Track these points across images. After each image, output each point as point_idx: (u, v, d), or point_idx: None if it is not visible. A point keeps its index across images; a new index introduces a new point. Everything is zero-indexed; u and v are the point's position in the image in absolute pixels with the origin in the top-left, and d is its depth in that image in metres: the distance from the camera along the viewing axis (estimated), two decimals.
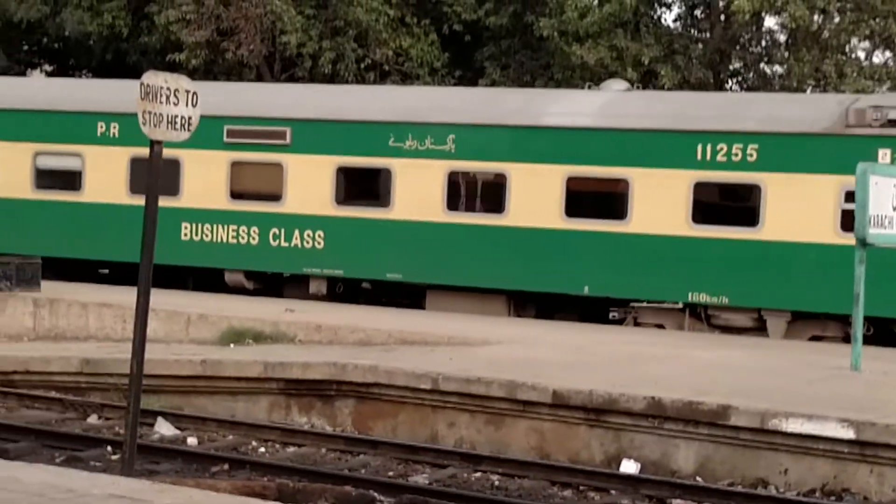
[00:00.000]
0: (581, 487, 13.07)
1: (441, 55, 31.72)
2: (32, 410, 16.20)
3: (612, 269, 21.42)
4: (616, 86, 23.40)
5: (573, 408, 14.27)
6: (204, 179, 23.73)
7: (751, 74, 32.02)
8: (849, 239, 18.24)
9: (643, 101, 22.54)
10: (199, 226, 23.77)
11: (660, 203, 21.12)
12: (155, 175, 10.79)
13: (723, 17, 30.73)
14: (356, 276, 23.13)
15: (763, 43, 32.14)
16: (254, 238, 23.39)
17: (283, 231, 23.25)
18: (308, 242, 23.08)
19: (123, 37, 33.34)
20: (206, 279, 24.07)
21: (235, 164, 23.65)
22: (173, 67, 28.74)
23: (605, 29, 28.87)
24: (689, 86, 28.62)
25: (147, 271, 10.85)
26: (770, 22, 31.33)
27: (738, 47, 31.35)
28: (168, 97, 10.72)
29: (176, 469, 13.11)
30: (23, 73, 36.84)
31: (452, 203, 22.36)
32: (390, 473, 13.48)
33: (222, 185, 23.68)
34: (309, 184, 23.16)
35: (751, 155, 20.54)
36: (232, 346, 18.47)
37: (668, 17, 33.25)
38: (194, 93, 10.92)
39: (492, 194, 22.20)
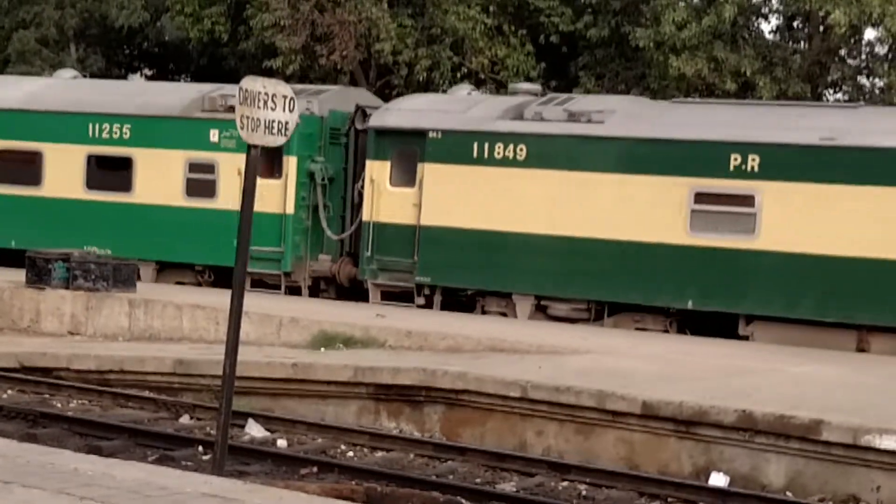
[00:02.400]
0: (669, 499, 13.01)
1: (537, 65, 31.70)
2: (126, 409, 16.44)
3: (29, 226, 25.57)
4: (65, 74, 28.16)
5: (663, 419, 14.20)
6: None
7: (848, 87, 31.63)
8: (192, 202, 24.61)
9: (62, 89, 26.74)
10: None
11: (64, 171, 25.58)
12: (252, 181, 10.91)
13: (821, 29, 30.39)
14: None
15: (863, 55, 31.74)
16: None
17: None
18: None
19: (223, 42, 33.72)
20: None
21: None
22: (269, 74, 29.02)
23: (704, 41, 28.66)
24: (787, 97, 28.34)
25: (241, 274, 10.98)
26: (870, 34, 30.95)
27: (836, 59, 30.99)
28: (266, 102, 10.83)
29: (265, 470, 13.23)
30: (123, 77, 37.38)
31: None
32: (478, 480, 13.50)
33: None
34: None
35: (126, 133, 25.12)
36: (323, 349, 18.60)
37: (766, 29, 32.90)
38: (292, 98, 11.04)
39: None
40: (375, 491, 11.91)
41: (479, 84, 31.29)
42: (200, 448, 14.02)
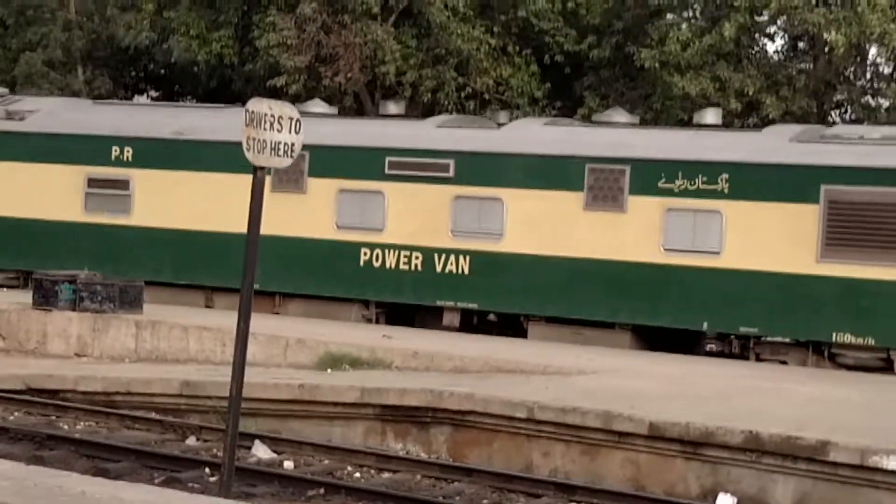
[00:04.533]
0: None
1: (541, 85, 31.73)
2: (133, 431, 16.43)
3: None
4: None
5: (669, 440, 14.18)
6: None
7: (853, 106, 31.62)
8: None
9: None
10: None
11: None
12: (258, 203, 10.92)
13: (826, 50, 30.43)
14: None
15: (868, 75, 31.75)
16: None
17: None
18: None
19: (231, 65, 33.79)
20: None
21: None
22: (273, 92, 29.08)
23: (707, 61, 28.70)
24: (793, 116, 28.34)
25: (248, 295, 10.98)
26: (874, 53, 30.95)
27: (842, 79, 31.00)
28: (272, 124, 10.85)
29: (272, 492, 13.21)
30: (129, 98, 37.47)
31: None
32: (485, 502, 13.48)
33: None
34: None
35: None
36: (329, 371, 18.59)
37: (770, 49, 32.92)
38: (297, 120, 11.05)
39: None
40: None
41: (483, 105, 31.34)
42: (207, 470, 14.00)
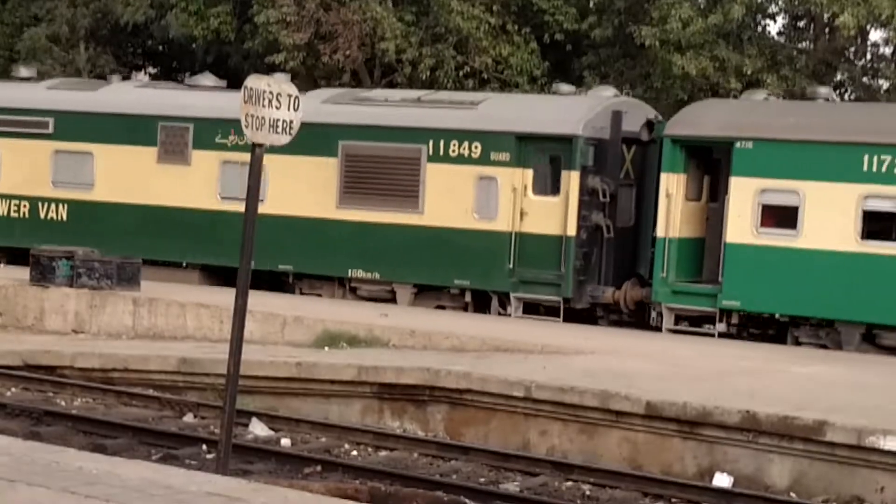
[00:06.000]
0: (673, 500, 13.01)
1: (541, 64, 31.65)
2: (130, 408, 16.45)
3: None
4: None
5: (667, 419, 14.20)
6: None
7: (853, 86, 31.58)
8: None
9: None
10: None
11: None
12: (256, 179, 10.90)
13: (827, 30, 30.35)
14: None
15: (868, 56, 31.69)
16: None
17: None
18: None
19: (229, 41, 33.70)
20: None
21: None
22: (272, 69, 28.99)
23: (709, 40, 28.62)
24: (793, 96, 28.28)
25: (245, 273, 10.96)
26: (875, 35, 30.91)
27: (842, 60, 30.94)
28: (270, 101, 10.80)
29: (269, 469, 13.24)
30: (128, 76, 37.34)
31: None
32: (481, 480, 13.50)
33: None
34: None
35: None
36: (326, 349, 18.60)
37: (773, 29, 32.82)
38: (296, 97, 11.00)
39: None
40: (379, 490, 11.91)
41: (482, 83, 31.26)
42: (204, 447, 14.02)
